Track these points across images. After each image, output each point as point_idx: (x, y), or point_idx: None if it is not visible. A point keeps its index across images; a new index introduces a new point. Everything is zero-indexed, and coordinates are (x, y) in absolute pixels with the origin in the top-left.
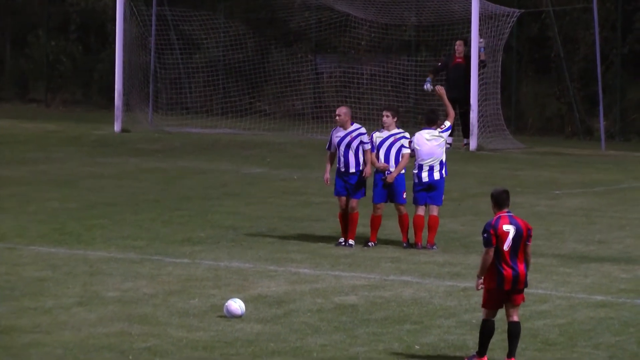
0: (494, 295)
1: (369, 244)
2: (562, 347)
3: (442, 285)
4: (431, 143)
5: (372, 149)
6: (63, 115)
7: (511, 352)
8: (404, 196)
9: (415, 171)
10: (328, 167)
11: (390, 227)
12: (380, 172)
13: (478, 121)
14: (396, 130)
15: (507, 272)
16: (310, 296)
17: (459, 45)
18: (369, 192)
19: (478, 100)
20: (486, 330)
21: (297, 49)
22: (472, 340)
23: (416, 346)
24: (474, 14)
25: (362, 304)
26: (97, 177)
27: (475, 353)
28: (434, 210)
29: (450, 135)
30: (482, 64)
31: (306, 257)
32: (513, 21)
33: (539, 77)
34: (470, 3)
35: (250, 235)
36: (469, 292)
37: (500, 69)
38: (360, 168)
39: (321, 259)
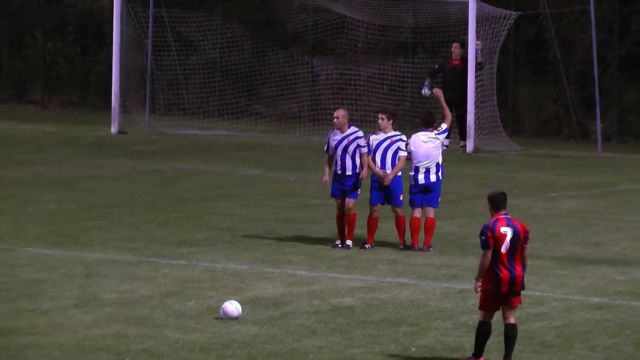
0: (491, 298)
1: (366, 245)
2: (558, 349)
3: (438, 287)
4: (427, 145)
5: (368, 152)
6: (60, 117)
7: (508, 354)
8: (401, 198)
9: (412, 173)
10: (327, 169)
11: (386, 229)
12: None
13: (475, 123)
14: (393, 133)
15: (504, 274)
16: (307, 298)
17: (455, 48)
18: (365, 193)
19: (475, 103)
20: (482, 333)
21: (293, 51)
22: (469, 342)
23: (412, 348)
24: (470, 16)
25: (359, 306)
26: (94, 178)
27: (471, 355)
28: (431, 212)
29: (447, 137)
30: (479, 66)
31: (303, 259)
32: (510, 23)
33: (536, 79)
34: (467, 5)
35: (246, 237)
36: (466, 294)
37: (496, 71)
38: (357, 171)
39: (318, 261)
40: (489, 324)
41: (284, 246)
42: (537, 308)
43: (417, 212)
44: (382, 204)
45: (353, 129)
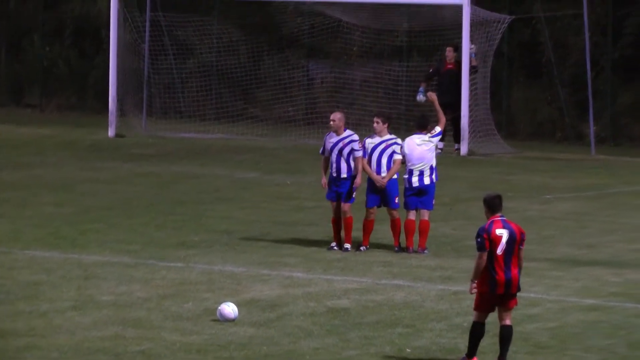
0: (487, 299)
1: (361, 248)
2: (553, 350)
3: (433, 289)
4: (421, 148)
5: (364, 155)
6: (58, 120)
7: (502, 355)
8: (397, 201)
9: (406, 176)
10: (323, 172)
11: (382, 232)
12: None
13: (469, 126)
14: (388, 136)
15: (500, 276)
16: (303, 300)
17: (449, 52)
18: (361, 196)
19: (469, 106)
20: (476, 333)
21: (289, 55)
22: (463, 344)
23: (408, 349)
24: (465, 20)
25: (354, 308)
26: (92, 181)
27: (465, 355)
28: (425, 214)
29: (441, 140)
30: (473, 70)
31: (299, 261)
32: (504, 27)
33: (530, 82)
34: (462, 9)
35: (243, 240)
36: (461, 295)
37: (490, 74)
38: (352, 174)
39: (314, 263)
40: (483, 324)
41: (280, 248)
42: (532, 309)
43: (412, 215)
44: (378, 206)
45: (349, 132)
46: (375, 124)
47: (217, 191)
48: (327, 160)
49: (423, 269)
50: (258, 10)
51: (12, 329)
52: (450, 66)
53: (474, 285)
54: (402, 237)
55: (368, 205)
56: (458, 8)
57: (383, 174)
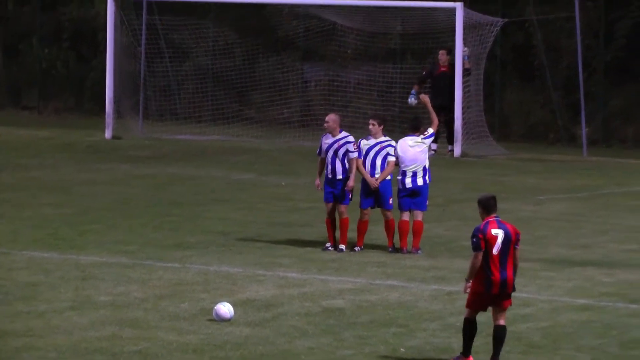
0: (480, 298)
1: (356, 248)
2: (545, 349)
3: (427, 289)
4: (414, 149)
5: (359, 156)
6: (55, 122)
7: (495, 355)
8: (390, 202)
9: (399, 177)
10: (318, 172)
11: (376, 232)
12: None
13: (462, 128)
14: (383, 139)
15: (496, 276)
16: (298, 300)
17: (442, 55)
18: (356, 197)
19: (462, 108)
20: (469, 329)
21: (285, 57)
22: (457, 343)
23: (402, 349)
24: (458, 23)
25: (349, 308)
26: (90, 183)
27: (460, 354)
28: (419, 215)
29: (435, 142)
30: (466, 72)
31: (294, 261)
32: (497, 30)
33: (522, 84)
34: (455, 12)
35: (239, 240)
36: (454, 295)
37: (483, 76)
38: (347, 175)
39: (309, 264)
40: (474, 321)
41: (275, 249)
42: (524, 309)
43: (406, 216)
44: (373, 207)
45: (344, 133)
46: (371, 126)
47: (213, 192)
48: (323, 162)
49: (417, 269)
50: (253, 13)
51: (11, 329)
52: (443, 69)
53: (469, 284)
54: (396, 237)
55: (362, 207)
56: (451, 11)
57: (377, 176)
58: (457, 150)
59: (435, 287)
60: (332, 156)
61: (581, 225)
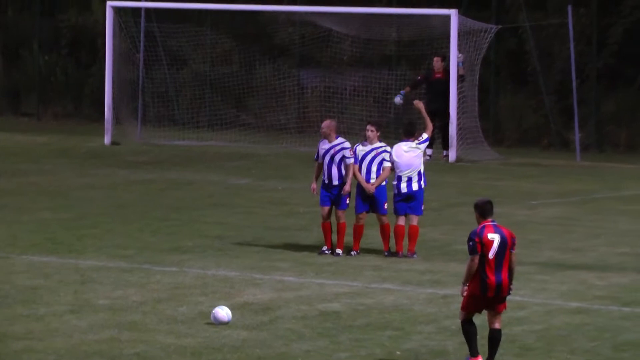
0: (476, 301)
1: (352, 252)
2: (539, 352)
3: (422, 293)
4: (409, 154)
5: (355, 162)
6: (54, 128)
7: (491, 357)
8: (385, 207)
9: (395, 182)
10: (315, 177)
11: (372, 237)
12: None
13: (457, 133)
14: (378, 144)
15: (491, 280)
16: (295, 303)
17: (436, 61)
18: (352, 202)
19: (457, 113)
20: (470, 330)
21: (281, 64)
22: (452, 346)
23: (397, 352)
24: (452, 29)
25: (345, 311)
26: (88, 188)
27: (469, 356)
28: (414, 219)
29: (430, 147)
30: (460, 78)
31: (291, 265)
32: (491, 36)
33: (516, 90)
34: (450, 19)
35: (236, 244)
36: (449, 299)
37: (478, 82)
38: (343, 180)
39: (305, 267)
40: (471, 320)
41: (272, 253)
42: (518, 312)
43: (401, 220)
44: (367, 211)
45: (340, 139)
46: (370, 132)
47: (211, 197)
48: (320, 167)
49: (412, 273)
50: (250, 20)
51: (11, 332)
52: (438, 75)
53: (465, 287)
54: (392, 241)
55: (357, 211)
56: (446, 18)
57: (372, 181)
58: (452, 155)
59: (431, 291)
60: (328, 161)
61: (574, 229)
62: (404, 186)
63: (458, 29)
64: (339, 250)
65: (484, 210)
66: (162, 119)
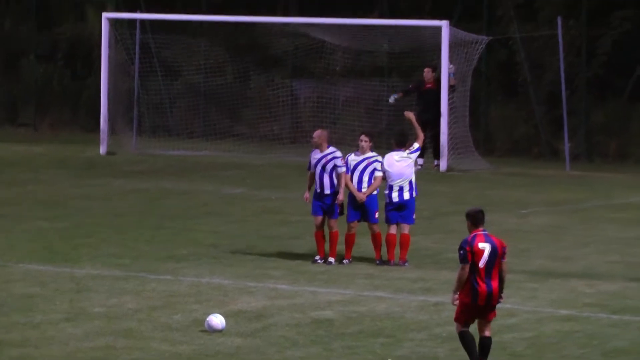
0: (468, 310)
1: (344, 261)
2: (529, 359)
3: (414, 300)
4: (400, 164)
5: (347, 171)
6: (51, 138)
7: None
8: (376, 216)
9: (386, 191)
10: (308, 186)
11: (364, 245)
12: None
13: (448, 143)
14: (370, 154)
15: (482, 288)
16: (288, 311)
17: (427, 72)
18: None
19: (448, 123)
20: (467, 340)
21: (274, 74)
22: (443, 353)
23: (389, 359)
24: (444, 41)
25: (338, 319)
26: (84, 197)
27: None
28: (406, 228)
29: (421, 156)
30: (451, 89)
31: (284, 273)
32: (482, 48)
33: (507, 100)
34: (441, 30)
35: (230, 253)
36: (440, 306)
37: (469, 93)
38: (335, 189)
39: (298, 276)
40: (467, 330)
41: (266, 261)
42: (509, 320)
43: (393, 229)
44: (359, 220)
45: (331, 149)
46: (364, 142)
47: (205, 206)
48: (313, 176)
49: (404, 281)
50: (244, 31)
51: (7, 340)
52: (429, 85)
53: (456, 296)
54: (384, 250)
55: (349, 220)
56: (437, 29)
57: (363, 191)
58: (443, 164)
59: (422, 298)
60: (320, 171)
61: (564, 238)
62: (395, 195)
63: (449, 40)
64: (331, 259)
65: (475, 219)
66: (157, 129)
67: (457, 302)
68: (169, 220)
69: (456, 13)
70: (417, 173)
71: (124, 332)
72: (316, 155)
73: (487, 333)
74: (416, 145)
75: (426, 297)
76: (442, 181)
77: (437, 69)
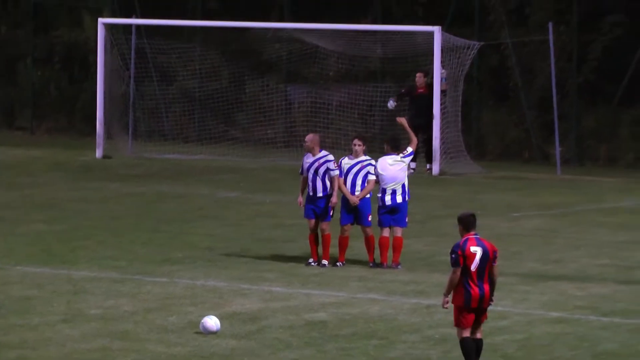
0: (464, 313)
1: (338, 263)
2: None
3: (407, 303)
4: (394, 168)
5: (340, 175)
6: (48, 142)
7: None
8: (369, 219)
9: (379, 195)
10: (301, 190)
11: (357, 248)
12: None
13: (440, 147)
14: (363, 158)
15: (475, 291)
16: (282, 313)
17: (419, 77)
18: (337, 214)
19: (440, 128)
20: (467, 348)
21: (269, 79)
22: (436, 355)
23: None
24: (436, 46)
25: (331, 321)
26: (81, 201)
27: None
28: (398, 231)
29: (413, 160)
30: (442, 93)
31: (278, 276)
32: (473, 53)
33: (498, 105)
34: (433, 36)
35: (225, 256)
36: (433, 309)
37: (461, 98)
38: (328, 192)
39: (292, 278)
40: (470, 339)
41: (260, 264)
42: (500, 322)
43: (386, 232)
44: (352, 223)
45: (324, 152)
46: (357, 146)
47: (200, 210)
48: (305, 180)
49: (397, 283)
50: (238, 37)
51: (5, 341)
52: (421, 90)
53: (447, 299)
54: (377, 253)
55: (342, 223)
56: (430, 35)
57: (357, 194)
58: (436, 168)
59: (415, 301)
60: (312, 175)
61: (555, 241)
62: (388, 199)
63: (441, 46)
64: (325, 261)
65: (467, 223)
66: (152, 134)
67: (447, 305)
68: (164, 223)
69: (448, 18)
70: (409, 177)
71: (120, 333)
72: (308, 159)
73: (478, 335)
74: (410, 149)
75: (419, 300)
76: (435, 185)
77: (429, 74)
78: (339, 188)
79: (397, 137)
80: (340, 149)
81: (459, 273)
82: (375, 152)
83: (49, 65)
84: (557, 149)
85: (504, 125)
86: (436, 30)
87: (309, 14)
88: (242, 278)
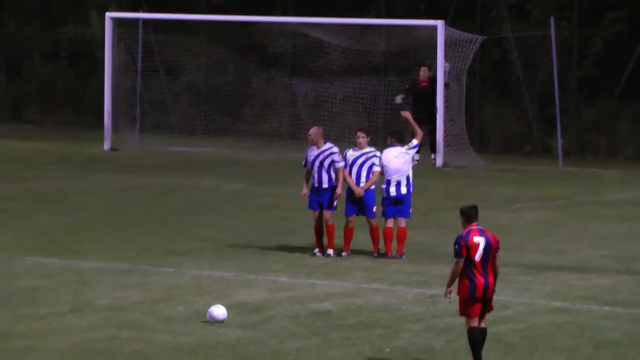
0: (470, 302)
1: (342, 254)
2: (523, 350)
3: (410, 293)
4: (398, 160)
5: (345, 166)
6: (55, 136)
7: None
8: (374, 210)
9: (384, 186)
10: (305, 183)
11: (361, 239)
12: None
13: (444, 140)
14: (368, 149)
15: (480, 280)
16: (288, 303)
17: (423, 71)
18: (341, 205)
19: (444, 120)
20: (475, 338)
21: (274, 73)
22: (439, 344)
23: (387, 349)
24: (439, 40)
25: (336, 310)
26: (88, 193)
27: None
28: (402, 222)
29: (417, 152)
30: (445, 87)
31: (284, 266)
32: (476, 47)
33: (500, 99)
34: (436, 30)
35: (231, 247)
36: (436, 298)
37: (464, 91)
38: (333, 184)
39: (298, 268)
40: (477, 329)
41: (266, 255)
42: (503, 312)
43: (390, 223)
44: (357, 214)
45: (328, 145)
46: (361, 139)
47: (206, 202)
48: (309, 172)
49: (401, 274)
50: (244, 31)
51: (14, 331)
52: (424, 84)
53: (450, 289)
54: (381, 243)
55: (347, 214)
56: (433, 29)
57: (361, 185)
58: (439, 161)
59: (419, 291)
60: (318, 167)
61: (556, 232)
62: (392, 190)
63: (444, 40)
64: (330, 251)
65: (469, 215)
66: (159, 127)
67: (450, 295)
68: (171, 215)
69: (451, 13)
70: (413, 169)
71: (128, 323)
72: (312, 152)
73: (482, 324)
74: (415, 141)
75: (422, 290)
76: (437, 177)
77: (432, 67)
78: (344, 179)
79: (401, 129)
80: (345, 141)
81: (461, 264)
82: (379, 144)
83: (56, 61)
84: (559, 142)
85: (506, 119)
86: (440, 24)
87: (313, 8)
88: (248, 269)
